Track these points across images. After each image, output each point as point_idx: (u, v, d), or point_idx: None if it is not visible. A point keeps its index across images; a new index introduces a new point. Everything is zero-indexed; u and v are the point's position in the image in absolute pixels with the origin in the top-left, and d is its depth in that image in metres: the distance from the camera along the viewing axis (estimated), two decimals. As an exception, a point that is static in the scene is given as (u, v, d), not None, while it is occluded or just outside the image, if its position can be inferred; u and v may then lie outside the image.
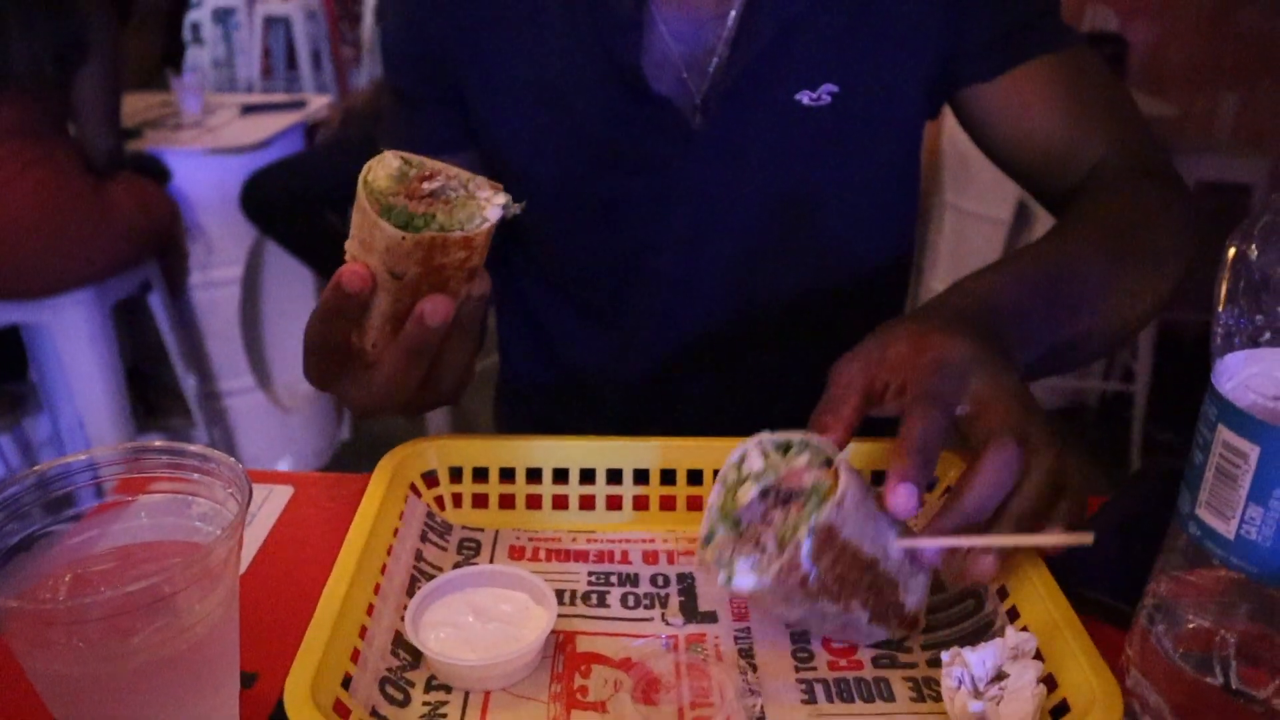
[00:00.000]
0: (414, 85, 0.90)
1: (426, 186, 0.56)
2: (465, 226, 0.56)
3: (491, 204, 0.57)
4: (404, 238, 0.54)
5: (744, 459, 0.56)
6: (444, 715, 0.53)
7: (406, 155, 0.57)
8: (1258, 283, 0.42)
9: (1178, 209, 0.80)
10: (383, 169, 0.57)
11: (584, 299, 0.93)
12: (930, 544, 0.54)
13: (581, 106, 0.83)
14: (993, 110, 0.85)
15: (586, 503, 0.70)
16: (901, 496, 0.52)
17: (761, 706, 0.54)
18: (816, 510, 0.51)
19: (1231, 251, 0.44)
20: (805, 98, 0.81)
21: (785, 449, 0.55)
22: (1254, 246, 0.42)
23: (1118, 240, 0.75)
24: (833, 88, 0.81)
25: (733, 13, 0.80)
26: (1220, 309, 0.45)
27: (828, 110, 0.81)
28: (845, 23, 0.80)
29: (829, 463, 0.53)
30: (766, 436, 0.55)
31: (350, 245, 0.58)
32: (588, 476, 0.70)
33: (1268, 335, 0.43)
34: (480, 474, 0.70)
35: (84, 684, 0.46)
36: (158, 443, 0.53)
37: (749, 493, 0.54)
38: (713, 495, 0.56)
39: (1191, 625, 0.48)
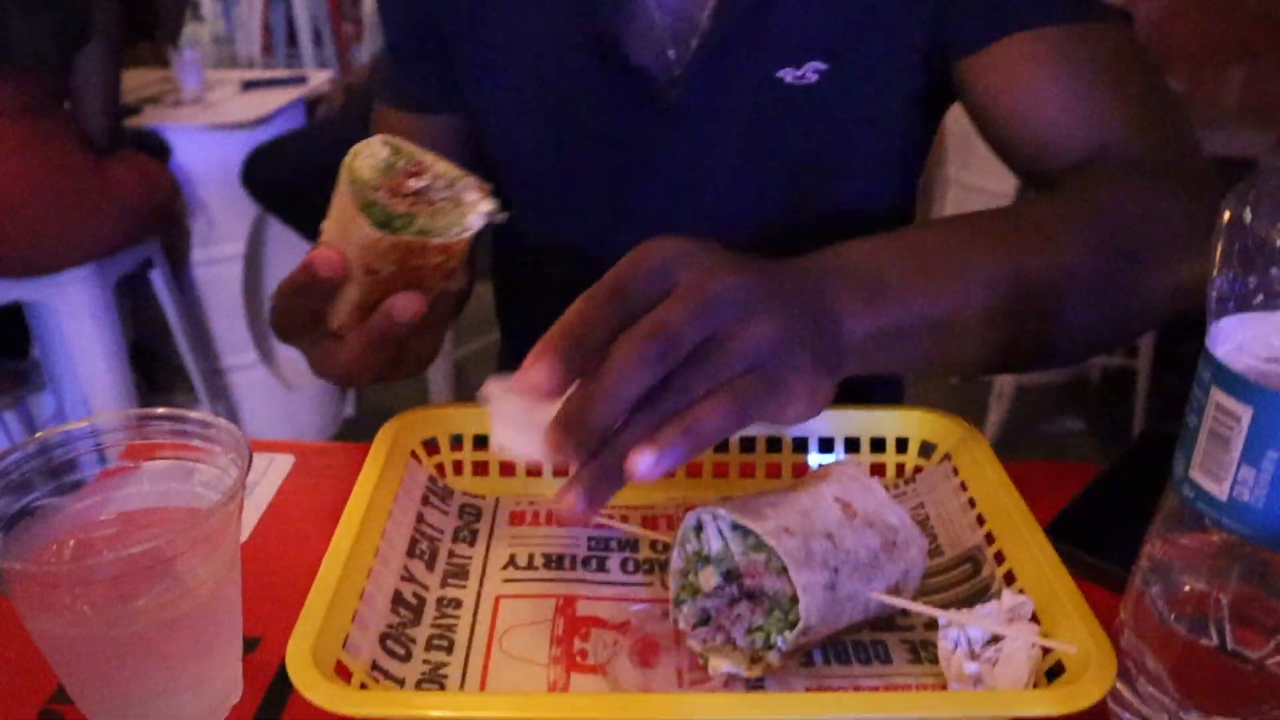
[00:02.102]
0: (406, 42, 0.90)
1: (412, 184, 0.55)
2: (447, 233, 0.54)
3: (475, 211, 0.55)
4: (381, 238, 0.53)
5: (700, 527, 0.55)
6: (445, 676, 0.54)
7: (396, 143, 0.56)
8: (1252, 246, 0.42)
9: (1172, 212, 0.67)
10: (369, 158, 0.55)
11: (561, 273, 0.93)
12: (913, 607, 0.54)
13: (559, 73, 0.82)
14: (980, 87, 0.77)
15: (586, 471, 0.70)
16: (531, 377, 0.47)
17: (759, 669, 0.54)
18: (781, 631, 0.51)
19: (1227, 215, 0.44)
20: (789, 75, 0.77)
21: (742, 532, 0.53)
22: (1249, 210, 0.42)
23: (1033, 226, 0.67)
24: (820, 65, 0.77)
25: None
26: (1215, 273, 0.45)
27: (814, 89, 0.78)
28: None
29: (785, 569, 0.51)
30: (723, 514, 0.53)
31: (327, 226, 0.56)
32: (587, 445, 0.70)
33: (1261, 298, 0.43)
34: (481, 441, 0.71)
35: (88, 646, 0.47)
36: (160, 410, 0.53)
37: (711, 578, 0.54)
38: (674, 559, 0.56)
39: (1185, 588, 0.49)
